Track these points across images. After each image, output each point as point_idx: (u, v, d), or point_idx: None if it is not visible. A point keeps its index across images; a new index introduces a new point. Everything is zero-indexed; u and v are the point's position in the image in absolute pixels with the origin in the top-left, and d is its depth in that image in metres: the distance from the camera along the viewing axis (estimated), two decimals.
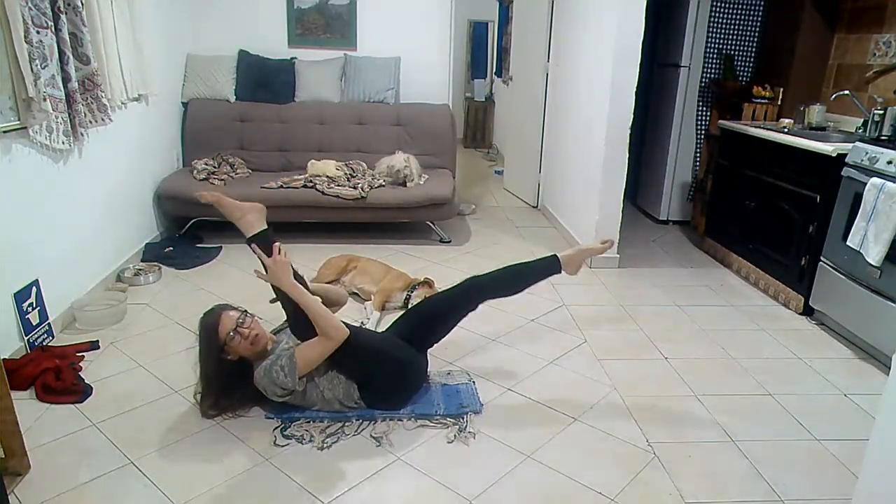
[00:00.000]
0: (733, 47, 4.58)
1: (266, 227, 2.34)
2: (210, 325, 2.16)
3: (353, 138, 4.73)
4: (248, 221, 2.33)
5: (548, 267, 2.56)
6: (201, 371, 2.21)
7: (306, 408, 2.23)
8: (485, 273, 2.58)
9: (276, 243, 2.22)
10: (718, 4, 4.47)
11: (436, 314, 2.47)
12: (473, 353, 2.77)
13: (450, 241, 4.37)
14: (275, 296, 3.01)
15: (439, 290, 3.17)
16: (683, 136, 4.80)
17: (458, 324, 2.48)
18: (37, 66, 2.56)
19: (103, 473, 1.94)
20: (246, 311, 2.24)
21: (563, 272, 2.56)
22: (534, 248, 4.34)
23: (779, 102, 4.21)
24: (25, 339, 2.59)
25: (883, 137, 3.15)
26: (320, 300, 2.28)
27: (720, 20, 4.52)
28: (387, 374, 2.27)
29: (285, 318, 2.52)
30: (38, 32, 2.61)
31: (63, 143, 2.84)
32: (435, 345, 2.48)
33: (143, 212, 3.93)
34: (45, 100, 2.62)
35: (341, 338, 2.10)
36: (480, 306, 2.48)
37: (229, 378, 2.20)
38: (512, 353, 2.80)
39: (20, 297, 2.57)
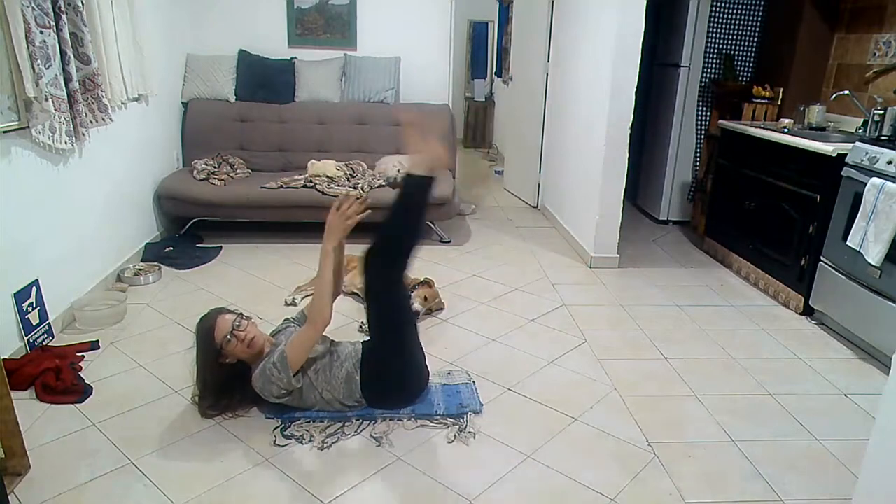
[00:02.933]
0: (733, 47, 4.58)
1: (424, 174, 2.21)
2: (206, 329, 2.16)
3: (353, 138, 4.73)
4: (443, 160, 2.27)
5: (417, 183, 2.23)
6: (198, 374, 2.21)
7: (306, 409, 2.23)
8: (374, 242, 2.28)
9: (359, 199, 2.17)
10: (718, 4, 4.47)
11: (385, 319, 2.29)
12: (473, 353, 2.77)
13: (450, 241, 4.37)
14: (288, 300, 3.00)
15: (440, 300, 3.16)
16: (683, 136, 4.80)
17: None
18: (39, 65, 2.57)
19: (103, 473, 1.94)
20: (241, 314, 2.23)
21: (430, 174, 2.24)
22: (534, 247, 4.35)
23: (779, 102, 4.21)
24: (25, 339, 2.59)
25: (883, 137, 3.15)
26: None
27: (720, 20, 4.52)
28: (400, 366, 2.28)
29: (283, 319, 2.53)
30: (41, 32, 2.62)
31: (66, 142, 2.85)
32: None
33: (143, 212, 3.93)
34: (47, 99, 2.62)
35: (323, 326, 2.11)
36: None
37: (227, 381, 2.20)
38: (512, 353, 2.80)
39: (20, 297, 2.57)
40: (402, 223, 2.25)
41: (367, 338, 2.42)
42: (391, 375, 2.27)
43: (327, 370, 2.21)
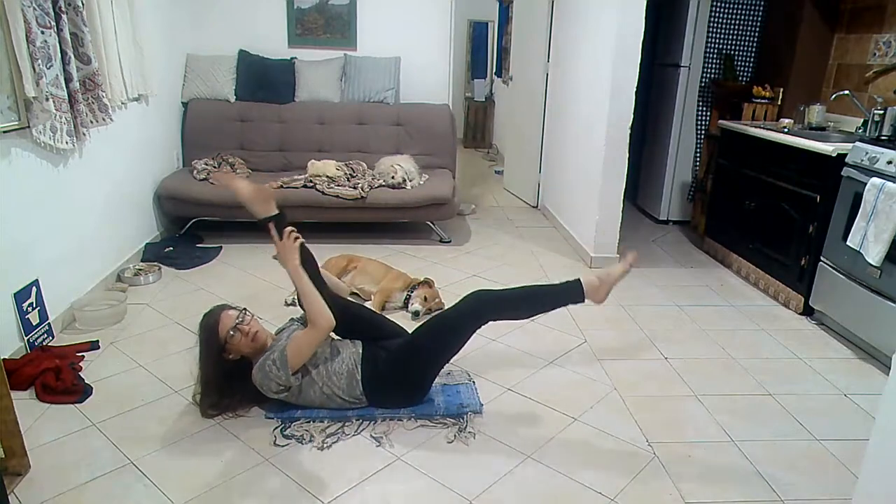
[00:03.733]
0: (733, 47, 4.58)
1: (277, 211, 2.32)
2: (210, 325, 2.16)
3: (353, 138, 4.73)
4: (260, 206, 2.30)
5: (569, 293, 2.31)
6: (201, 372, 2.21)
7: (305, 406, 2.23)
8: (494, 291, 2.37)
9: (289, 228, 2.21)
10: (718, 4, 4.47)
11: (440, 338, 2.31)
12: (473, 353, 2.77)
13: (450, 241, 4.37)
14: (289, 300, 3.01)
15: (440, 301, 3.17)
16: (683, 136, 4.80)
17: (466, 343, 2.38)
18: (40, 65, 2.57)
19: (103, 473, 1.94)
20: (245, 309, 2.25)
21: (586, 300, 2.34)
22: (534, 247, 4.35)
23: (779, 102, 4.21)
24: (25, 339, 2.59)
25: (883, 137, 3.14)
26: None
27: (720, 20, 4.52)
28: (408, 382, 2.28)
29: (289, 319, 2.53)
30: (42, 32, 2.62)
31: (67, 142, 2.85)
32: (445, 364, 2.39)
33: (143, 212, 3.93)
34: (47, 99, 2.62)
35: (328, 327, 2.10)
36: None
37: (229, 378, 2.20)
38: (512, 353, 2.80)
39: (20, 297, 2.57)
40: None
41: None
42: (394, 379, 2.27)
43: (328, 365, 2.21)
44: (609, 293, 2.41)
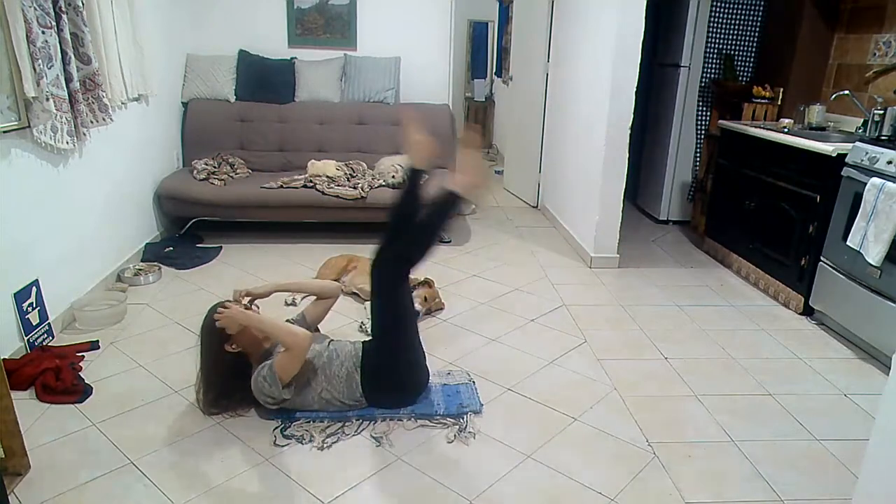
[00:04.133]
0: (733, 47, 4.58)
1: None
2: (212, 319, 2.18)
3: (353, 138, 4.73)
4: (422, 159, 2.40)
5: (445, 202, 2.24)
6: (202, 366, 2.23)
7: (305, 409, 2.23)
8: (382, 247, 2.30)
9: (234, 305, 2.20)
10: (718, 4, 4.47)
11: (390, 319, 2.30)
12: (473, 353, 2.77)
13: (450, 241, 4.37)
14: (289, 300, 3.03)
15: (440, 300, 3.17)
16: (683, 136, 4.80)
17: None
18: (40, 65, 2.57)
19: (103, 473, 1.94)
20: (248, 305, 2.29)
21: (459, 195, 2.24)
22: (534, 247, 4.35)
23: (779, 102, 4.21)
24: (25, 339, 2.59)
25: (883, 137, 3.14)
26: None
27: (720, 20, 4.52)
28: (403, 367, 2.29)
29: (285, 321, 2.52)
30: (43, 32, 2.62)
31: (67, 142, 2.85)
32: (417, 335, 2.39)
33: (143, 212, 3.93)
34: (48, 99, 2.62)
35: (301, 344, 2.08)
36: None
37: (229, 372, 2.20)
38: (512, 353, 2.80)
39: (20, 297, 2.57)
40: (417, 226, 2.28)
41: (368, 338, 2.42)
42: (391, 374, 2.28)
43: (327, 369, 2.21)
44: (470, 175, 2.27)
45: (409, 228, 2.31)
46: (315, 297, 2.56)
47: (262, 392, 2.13)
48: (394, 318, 2.28)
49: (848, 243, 2.89)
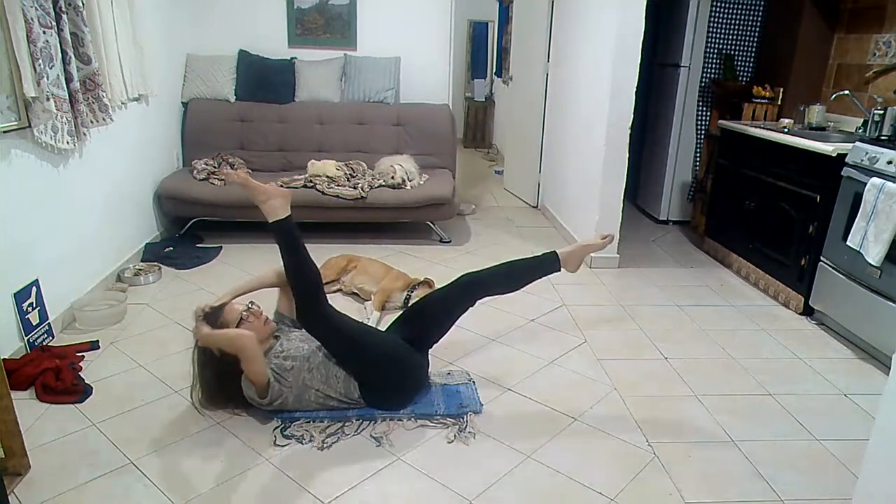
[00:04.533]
0: (733, 47, 4.58)
1: (289, 213, 2.29)
2: (216, 314, 2.23)
3: (353, 138, 4.73)
4: (272, 206, 2.26)
5: (547, 264, 2.49)
6: (196, 364, 2.22)
7: (304, 409, 2.23)
8: (481, 269, 2.50)
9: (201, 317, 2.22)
10: (718, 4, 4.47)
11: (433, 314, 2.44)
12: (473, 353, 2.77)
13: (450, 241, 4.37)
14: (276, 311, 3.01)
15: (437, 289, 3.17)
16: (683, 136, 4.80)
17: (456, 323, 2.46)
18: (40, 65, 2.57)
19: (103, 473, 1.94)
20: (252, 301, 2.32)
21: (562, 269, 2.51)
22: (534, 248, 4.34)
23: (779, 102, 4.21)
24: (25, 339, 2.59)
25: (883, 137, 3.14)
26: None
27: (720, 20, 4.52)
28: (389, 374, 2.27)
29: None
30: (44, 33, 2.62)
31: (68, 142, 2.85)
32: (434, 345, 2.46)
33: (143, 212, 3.93)
34: (48, 99, 2.62)
35: (240, 344, 2.08)
36: (478, 304, 2.46)
37: (221, 371, 2.19)
38: (512, 353, 2.80)
39: (20, 297, 2.57)
40: (292, 267, 2.27)
41: None
42: (386, 379, 2.27)
43: (323, 369, 2.21)
44: (581, 264, 2.58)
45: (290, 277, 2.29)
46: (278, 289, 2.48)
47: (250, 398, 2.17)
48: (347, 352, 2.24)
49: (848, 243, 2.89)
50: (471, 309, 2.46)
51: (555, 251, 2.51)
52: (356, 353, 2.25)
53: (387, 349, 2.30)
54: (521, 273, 2.53)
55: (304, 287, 2.24)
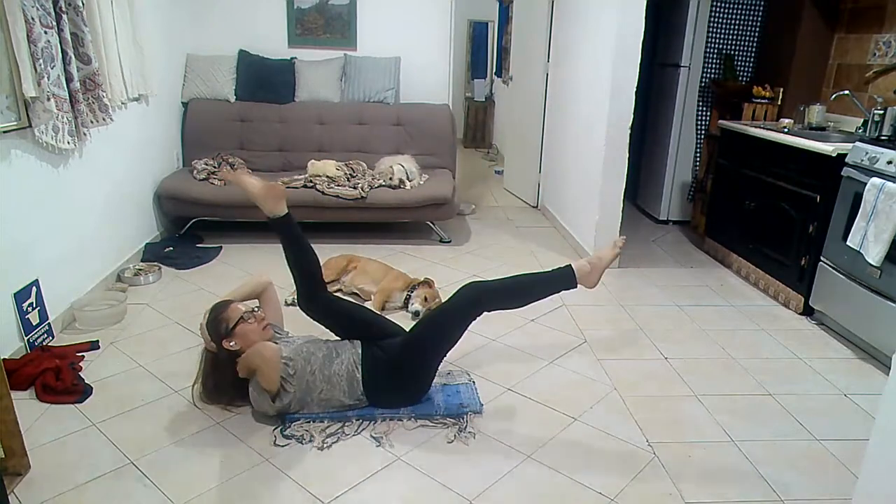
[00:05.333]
0: (733, 47, 4.58)
1: (285, 210, 2.33)
2: (218, 307, 2.24)
3: (353, 138, 4.73)
4: (270, 204, 2.31)
5: (562, 280, 2.34)
6: (202, 359, 2.27)
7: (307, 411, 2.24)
8: (489, 281, 2.38)
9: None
10: (718, 4, 4.47)
11: (438, 330, 2.33)
12: (473, 353, 2.77)
13: (450, 241, 4.37)
14: (289, 300, 3.04)
15: (440, 301, 3.17)
16: (683, 136, 4.80)
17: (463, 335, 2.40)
18: (41, 65, 2.57)
19: (103, 473, 1.94)
20: (256, 307, 2.34)
21: (578, 286, 2.36)
22: (534, 247, 4.35)
23: (779, 102, 4.21)
24: (25, 339, 2.59)
25: (883, 137, 3.14)
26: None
27: (720, 20, 4.52)
28: (406, 374, 2.29)
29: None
30: (45, 33, 2.62)
31: (68, 142, 2.85)
32: (445, 356, 2.40)
33: (143, 212, 3.93)
34: (48, 99, 2.62)
35: (269, 356, 2.09)
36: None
37: (225, 368, 2.20)
38: (512, 352, 2.80)
39: (20, 297, 2.57)
40: (290, 257, 2.37)
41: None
42: (394, 378, 2.27)
43: (325, 370, 2.21)
44: (601, 277, 2.42)
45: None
46: (257, 300, 2.51)
47: (258, 403, 2.18)
48: (348, 326, 2.35)
49: (848, 243, 2.89)
50: None
51: (570, 265, 2.37)
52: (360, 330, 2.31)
53: (388, 330, 2.37)
54: (531, 288, 2.40)
55: (301, 273, 2.36)
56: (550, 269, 2.43)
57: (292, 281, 2.41)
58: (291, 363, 2.18)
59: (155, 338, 2.85)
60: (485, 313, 2.34)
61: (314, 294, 2.38)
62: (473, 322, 2.31)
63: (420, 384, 2.33)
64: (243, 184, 2.36)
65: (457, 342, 2.35)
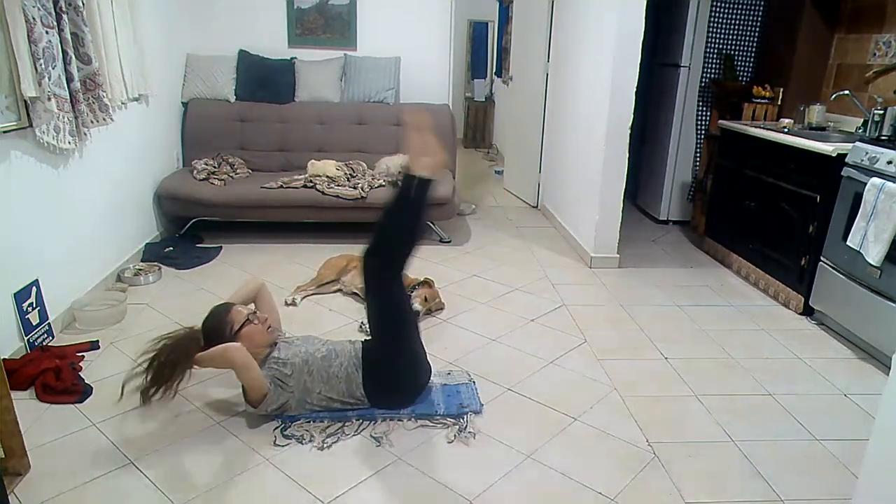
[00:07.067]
0: (733, 47, 4.58)
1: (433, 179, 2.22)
2: (220, 311, 2.24)
3: (353, 138, 4.73)
4: (428, 167, 2.20)
5: (405, 188, 2.20)
6: (165, 358, 2.12)
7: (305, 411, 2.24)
8: (372, 246, 2.24)
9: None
10: (718, 4, 4.47)
11: (384, 308, 2.29)
12: (473, 353, 2.77)
13: (450, 241, 4.37)
14: (288, 300, 3.02)
15: (440, 301, 3.16)
16: (683, 136, 4.80)
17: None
18: (42, 65, 2.57)
19: (103, 473, 1.94)
20: (256, 311, 2.34)
21: (418, 173, 2.20)
22: (534, 248, 4.35)
23: (779, 102, 4.21)
24: (25, 339, 2.59)
25: (883, 137, 3.15)
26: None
27: (720, 20, 4.52)
28: (405, 372, 2.30)
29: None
30: (46, 33, 2.62)
31: (69, 142, 2.85)
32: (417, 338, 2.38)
33: (143, 212, 3.93)
34: (49, 99, 2.62)
35: (230, 357, 2.08)
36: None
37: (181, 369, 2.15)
38: (512, 353, 2.80)
39: (20, 297, 2.57)
40: (400, 223, 2.25)
41: (367, 337, 2.42)
42: (391, 374, 2.28)
43: (324, 371, 2.21)
44: (438, 150, 2.28)
45: (395, 230, 2.25)
46: (252, 304, 2.49)
47: (254, 408, 2.18)
48: (391, 319, 2.28)
49: (848, 243, 2.89)
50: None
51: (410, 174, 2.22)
52: (395, 329, 2.28)
53: (416, 347, 2.34)
54: (393, 214, 2.26)
55: (410, 241, 2.24)
56: (401, 191, 2.26)
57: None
58: (288, 364, 2.19)
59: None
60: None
61: (394, 275, 2.24)
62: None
63: (412, 374, 2.33)
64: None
65: (410, 311, 2.39)
